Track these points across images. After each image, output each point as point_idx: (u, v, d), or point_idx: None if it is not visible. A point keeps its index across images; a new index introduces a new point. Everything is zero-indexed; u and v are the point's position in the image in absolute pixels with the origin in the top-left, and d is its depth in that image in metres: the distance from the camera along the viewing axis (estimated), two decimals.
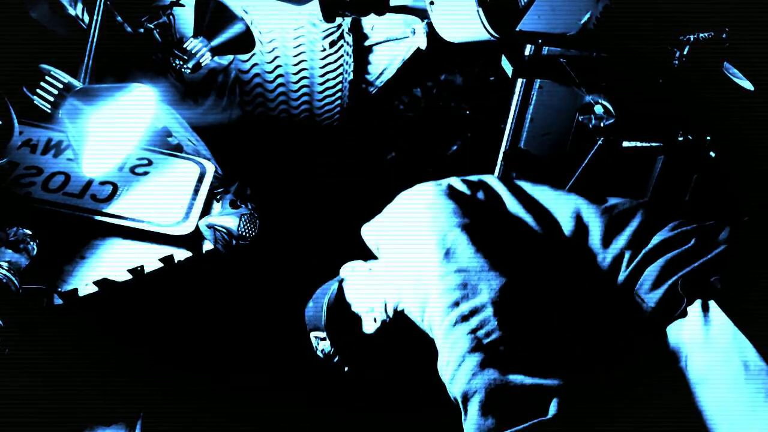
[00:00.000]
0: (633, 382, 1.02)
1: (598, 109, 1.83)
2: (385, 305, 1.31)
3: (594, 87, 1.84)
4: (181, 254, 1.57)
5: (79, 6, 1.65)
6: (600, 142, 1.89)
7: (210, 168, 1.76)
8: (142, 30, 1.84)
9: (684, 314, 1.02)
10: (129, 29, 1.82)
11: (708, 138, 1.86)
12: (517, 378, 0.93)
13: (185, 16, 1.99)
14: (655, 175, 2.07)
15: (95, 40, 1.44)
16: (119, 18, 1.79)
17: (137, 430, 1.46)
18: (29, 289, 1.32)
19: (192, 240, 1.60)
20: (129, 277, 1.47)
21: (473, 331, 0.97)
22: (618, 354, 1.06)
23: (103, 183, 1.62)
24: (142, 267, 1.50)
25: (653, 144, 1.92)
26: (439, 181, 1.25)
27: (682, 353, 1.01)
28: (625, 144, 1.90)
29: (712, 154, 1.84)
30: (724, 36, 1.75)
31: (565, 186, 2.02)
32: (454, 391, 0.98)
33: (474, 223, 1.09)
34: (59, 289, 1.38)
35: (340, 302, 1.38)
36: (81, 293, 1.41)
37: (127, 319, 1.53)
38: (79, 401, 1.42)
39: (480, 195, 1.21)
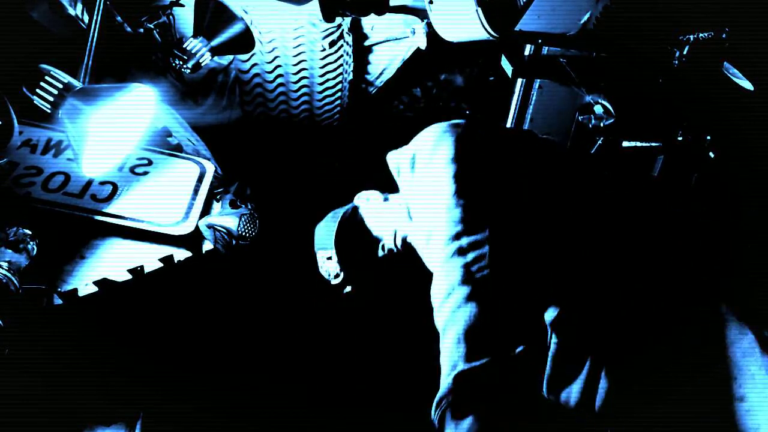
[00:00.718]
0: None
1: (598, 109, 1.83)
2: (395, 234, 1.36)
3: (594, 87, 1.84)
4: (181, 254, 1.57)
5: (79, 6, 1.65)
6: (600, 141, 1.89)
7: (210, 168, 1.76)
8: (142, 30, 1.84)
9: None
10: (129, 29, 1.82)
11: (708, 138, 1.86)
12: (494, 317, 0.95)
13: (185, 16, 1.99)
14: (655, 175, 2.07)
15: (95, 40, 1.44)
16: (119, 18, 1.79)
17: (137, 430, 1.46)
18: (29, 289, 1.32)
19: (192, 240, 1.60)
20: (129, 277, 1.47)
21: (467, 265, 0.98)
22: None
23: (103, 183, 1.62)
24: (142, 267, 1.50)
25: (653, 144, 1.92)
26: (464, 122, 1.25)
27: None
28: (625, 144, 1.90)
29: (712, 154, 1.84)
30: (724, 36, 1.75)
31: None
32: (438, 320, 1.00)
33: (489, 165, 1.11)
34: (59, 289, 1.38)
35: (350, 225, 1.42)
36: (81, 293, 1.41)
37: (127, 319, 1.53)
38: (79, 401, 1.41)
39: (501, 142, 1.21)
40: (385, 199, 1.46)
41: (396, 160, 1.32)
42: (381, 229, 1.39)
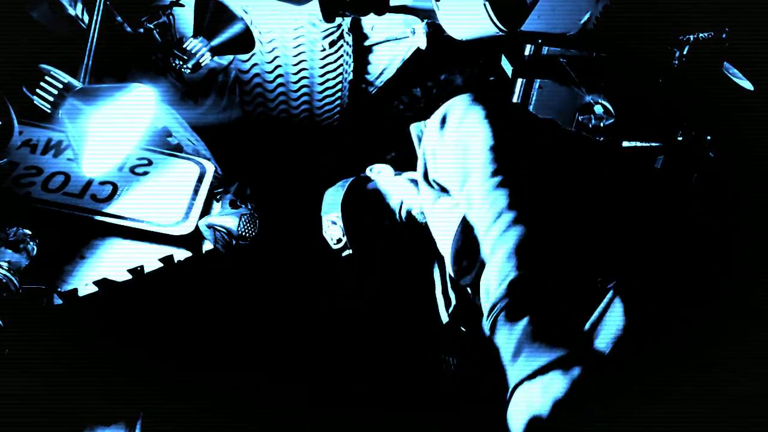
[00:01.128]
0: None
1: (598, 109, 1.83)
2: (401, 206, 1.43)
3: (594, 87, 1.84)
4: (181, 254, 1.57)
5: (79, 6, 1.65)
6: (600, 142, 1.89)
7: (210, 168, 1.76)
8: (142, 30, 1.84)
9: None
10: (129, 29, 1.82)
11: (708, 138, 1.86)
12: (543, 235, 0.99)
13: (185, 16, 1.99)
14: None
15: (95, 40, 1.44)
16: (119, 18, 1.79)
17: (137, 430, 1.46)
18: (29, 289, 1.32)
19: (192, 240, 1.60)
20: (129, 277, 1.47)
21: (511, 194, 1.01)
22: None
23: (103, 183, 1.62)
24: (142, 267, 1.50)
25: (653, 144, 1.92)
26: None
27: None
28: (625, 144, 1.90)
29: (712, 154, 1.84)
30: (724, 36, 1.75)
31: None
32: (484, 245, 1.02)
33: (521, 129, 1.17)
34: (59, 289, 1.38)
35: (358, 194, 1.50)
36: (81, 293, 1.41)
37: (127, 319, 1.53)
38: (79, 401, 1.41)
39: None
40: (396, 174, 1.55)
41: (421, 124, 1.38)
42: (388, 200, 1.47)
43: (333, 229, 1.48)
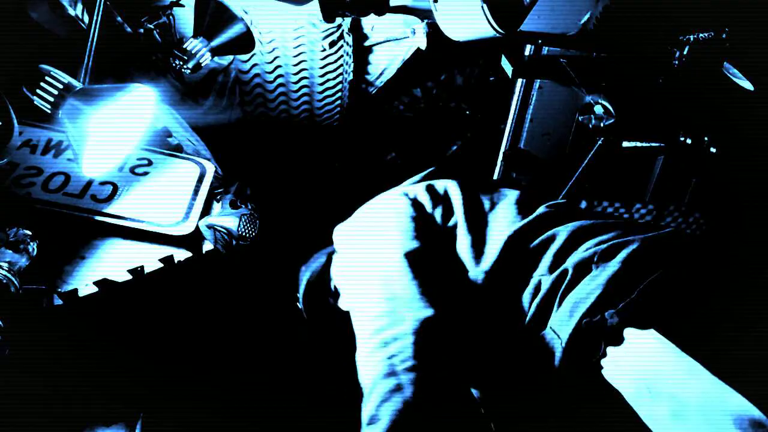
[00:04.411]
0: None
1: (598, 109, 1.83)
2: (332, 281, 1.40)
3: (594, 87, 1.84)
4: (181, 254, 1.57)
5: (79, 6, 1.65)
6: (600, 142, 1.89)
7: (210, 168, 1.76)
8: (142, 30, 1.84)
9: (602, 354, 0.99)
10: (129, 29, 1.82)
11: (706, 138, 1.86)
12: (423, 409, 0.95)
13: (185, 16, 1.99)
14: (655, 176, 2.07)
15: (95, 40, 1.44)
16: (119, 18, 1.78)
17: (137, 430, 1.46)
18: (29, 290, 1.32)
19: (192, 240, 1.60)
20: (129, 277, 1.47)
21: (391, 358, 0.99)
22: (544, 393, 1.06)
23: (103, 183, 1.62)
24: (142, 267, 1.50)
25: (653, 144, 1.92)
26: (407, 189, 1.26)
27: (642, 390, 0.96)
28: (625, 144, 1.90)
29: (713, 150, 1.84)
30: (724, 36, 1.75)
31: (565, 186, 2.03)
32: (364, 412, 0.99)
33: (418, 250, 1.11)
34: (59, 289, 1.38)
35: (322, 273, 1.46)
36: (81, 293, 1.41)
37: (127, 319, 1.53)
38: (79, 401, 1.42)
39: (438, 213, 1.22)
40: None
41: (340, 237, 1.30)
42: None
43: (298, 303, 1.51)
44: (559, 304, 1.05)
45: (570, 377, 1.03)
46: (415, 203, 1.22)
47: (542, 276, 1.09)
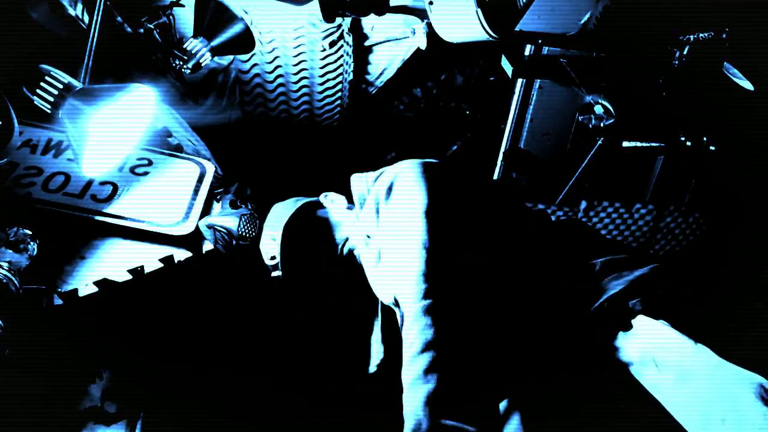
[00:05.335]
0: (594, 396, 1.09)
1: (598, 109, 1.83)
2: (345, 242, 1.39)
3: (594, 87, 1.85)
4: (181, 254, 1.57)
5: (79, 6, 1.65)
6: (600, 142, 1.89)
7: (210, 168, 1.76)
8: (142, 30, 1.84)
9: (626, 327, 1.09)
10: (129, 29, 1.82)
11: (705, 139, 1.86)
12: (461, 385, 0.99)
13: (185, 16, 1.99)
14: (655, 176, 2.07)
15: (95, 40, 1.44)
16: (119, 18, 1.78)
17: (137, 430, 1.46)
18: (29, 289, 1.32)
19: (192, 240, 1.60)
20: (129, 277, 1.47)
21: (436, 331, 1.02)
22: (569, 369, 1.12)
23: (103, 183, 1.62)
24: (142, 267, 1.50)
25: (653, 144, 1.92)
26: (438, 163, 1.25)
27: (648, 360, 1.05)
28: (625, 144, 1.90)
29: (712, 147, 1.84)
30: (724, 36, 1.75)
31: (565, 186, 2.03)
32: (406, 376, 1.03)
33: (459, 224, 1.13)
34: (59, 289, 1.38)
35: (305, 217, 1.44)
36: (81, 293, 1.41)
37: (127, 319, 1.53)
38: (79, 401, 1.42)
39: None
40: (348, 208, 1.48)
41: (369, 182, 1.33)
42: (333, 231, 1.42)
43: (270, 246, 1.43)
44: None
45: (570, 377, 1.06)
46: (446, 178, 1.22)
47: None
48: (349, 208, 1.47)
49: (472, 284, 1.08)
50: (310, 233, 1.42)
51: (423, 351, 1.00)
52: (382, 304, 1.36)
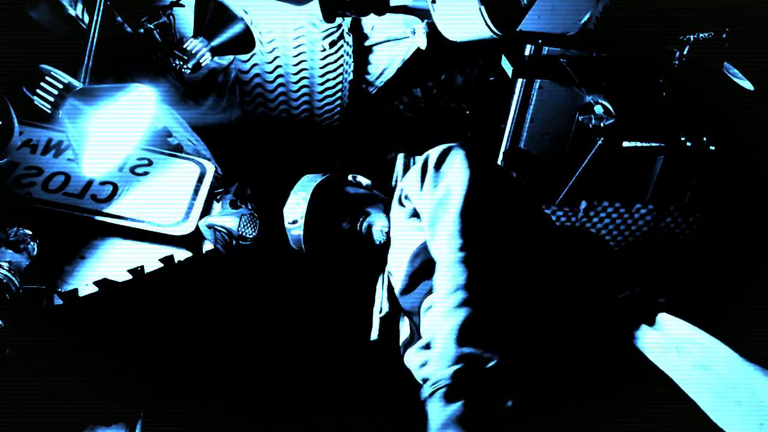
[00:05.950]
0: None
1: (598, 109, 1.83)
2: (364, 218, 1.54)
3: (594, 87, 1.85)
4: (181, 254, 1.57)
5: (79, 6, 1.65)
6: (600, 142, 1.89)
7: (210, 168, 1.76)
8: (142, 30, 1.84)
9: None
10: (129, 29, 1.82)
11: (705, 139, 1.86)
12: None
13: (185, 16, 1.99)
14: (655, 176, 2.07)
15: (95, 40, 1.44)
16: (119, 18, 1.78)
17: (137, 430, 1.46)
18: (29, 289, 1.32)
19: (192, 240, 1.60)
20: (129, 277, 1.47)
21: (469, 277, 1.12)
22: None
23: (103, 183, 1.62)
24: (142, 267, 1.50)
25: (653, 144, 1.92)
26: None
27: (670, 348, 1.10)
28: (625, 144, 1.90)
29: (712, 147, 1.84)
30: (724, 36, 1.75)
31: (565, 186, 2.03)
32: (437, 311, 1.13)
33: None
34: (59, 289, 1.38)
35: (332, 188, 1.59)
36: (81, 293, 1.41)
37: (127, 319, 1.53)
38: (79, 401, 1.42)
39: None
40: (368, 184, 1.66)
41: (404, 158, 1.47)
42: (354, 208, 1.56)
43: (293, 209, 1.54)
44: None
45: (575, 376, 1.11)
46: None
47: None
48: (374, 191, 1.65)
49: (501, 246, 1.20)
50: (334, 204, 1.57)
51: (455, 291, 1.11)
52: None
